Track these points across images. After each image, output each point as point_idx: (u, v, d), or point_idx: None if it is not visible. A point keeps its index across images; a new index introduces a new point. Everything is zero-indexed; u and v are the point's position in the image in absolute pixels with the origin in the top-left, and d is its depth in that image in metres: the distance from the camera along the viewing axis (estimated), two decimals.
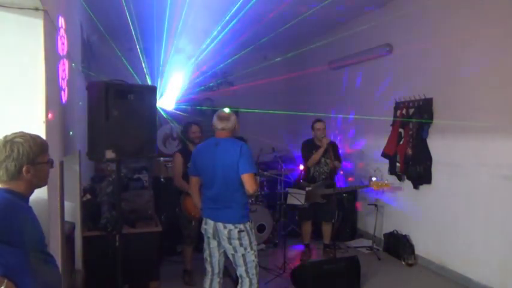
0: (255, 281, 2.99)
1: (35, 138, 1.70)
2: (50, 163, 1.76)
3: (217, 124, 3.02)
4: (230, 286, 3.80)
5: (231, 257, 3.01)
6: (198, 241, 3.92)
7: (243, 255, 2.94)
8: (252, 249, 2.96)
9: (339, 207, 5.37)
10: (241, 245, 2.92)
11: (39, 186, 1.79)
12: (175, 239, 4.89)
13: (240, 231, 2.90)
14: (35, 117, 2.02)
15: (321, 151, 4.79)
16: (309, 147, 4.97)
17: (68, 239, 3.08)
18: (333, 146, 4.90)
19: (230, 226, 2.90)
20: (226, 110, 3.13)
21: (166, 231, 4.28)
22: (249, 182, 2.86)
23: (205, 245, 3.11)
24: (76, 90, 3.48)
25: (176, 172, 4.08)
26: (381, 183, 4.88)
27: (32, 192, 1.75)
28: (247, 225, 2.96)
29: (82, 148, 3.41)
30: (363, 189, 5.75)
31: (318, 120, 4.90)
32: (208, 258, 3.09)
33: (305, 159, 5.03)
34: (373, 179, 5.05)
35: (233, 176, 2.89)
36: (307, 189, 4.79)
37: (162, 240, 4.10)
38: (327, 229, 5.02)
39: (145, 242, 3.76)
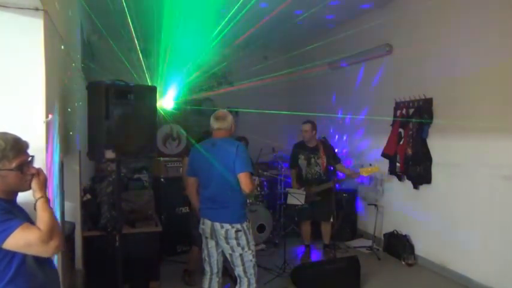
0: (253, 280, 2.98)
1: None
2: (18, 169, 1.62)
3: (214, 124, 3.05)
4: (229, 286, 3.80)
5: (228, 256, 3.00)
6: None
7: (241, 255, 2.93)
8: (249, 249, 2.95)
9: (338, 207, 5.37)
10: (238, 244, 2.92)
11: (17, 191, 1.70)
12: (175, 239, 4.89)
13: (237, 231, 2.90)
14: (35, 117, 2.02)
15: (294, 183, 4.92)
16: (296, 151, 4.97)
17: (68, 239, 3.09)
18: (324, 145, 4.88)
19: (227, 226, 2.90)
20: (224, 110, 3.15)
21: (166, 231, 4.28)
22: (245, 181, 2.86)
23: (204, 245, 3.11)
24: (76, 90, 3.49)
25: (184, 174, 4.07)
26: (370, 168, 4.69)
27: (11, 194, 1.69)
28: (245, 225, 2.96)
29: (82, 148, 3.41)
30: (363, 189, 5.76)
31: (305, 121, 4.90)
32: (207, 258, 3.10)
33: (290, 164, 5.08)
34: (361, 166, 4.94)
35: (230, 176, 2.89)
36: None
37: (162, 240, 4.10)
38: (326, 229, 5.01)
39: (145, 242, 3.77)
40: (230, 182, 2.90)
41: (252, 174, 2.94)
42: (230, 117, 3.08)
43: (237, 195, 2.93)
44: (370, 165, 4.80)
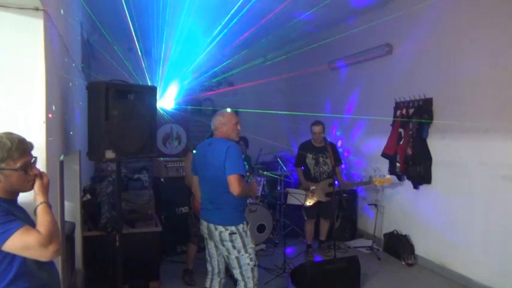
0: (250, 284, 2.90)
1: (1, 143, 1.60)
2: (22, 169, 1.63)
3: (211, 124, 3.08)
4: (231, 286, 3.79)
5: (226, 258, 2.98)
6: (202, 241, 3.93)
7: (237, 257, 2.88)
8: (246, 252, 2.88)
9: (338, 206, 5.38)
10: (234, 247, 2.86)
11: (19, 191, 1.70)
12: (175, 239, 4.89)
13: (231, 234, 2.84)
14: (35, 117, 2.02)
15: (302, 180, 4.96)
16: (303, 150, 5.00)
17: (68, 239, 3.08)
18: (331, 146, 4.90)
19: (220, 228, 2.86)
20: (228, 110, 3.14)
21: (166, 231, 4.28)
22: (232, 184, 2.77)
23: (206, 245, 3.12)
24: (76, 90, 3.48)
25: (187, 170, 4.06)
26: (383, 179, 4.85)
27: (13, 194, 1.69)
28: (240, 227, 2.88)
29: (82, 148, 3.41)
30: (363, 189, 5.75)
31: (315, 122, 4.91)
32: (208, 258, 3.10)
33: (296, 162, 5.11)
34: (374, 176, 5.03)
35: (221, 177, 2.82)
36: (311, 188, 4.80)
37: (162, 240, 4.10)
38: (324, 227, 5.09)
39: (145, 242, 3.77)
40: (222, 183, 2.82)
41: (242, 176, 2.83)
42: (219, 118, 3.03)
43: (231, 197, 2.83)
44: (385, 176, 4.92)
